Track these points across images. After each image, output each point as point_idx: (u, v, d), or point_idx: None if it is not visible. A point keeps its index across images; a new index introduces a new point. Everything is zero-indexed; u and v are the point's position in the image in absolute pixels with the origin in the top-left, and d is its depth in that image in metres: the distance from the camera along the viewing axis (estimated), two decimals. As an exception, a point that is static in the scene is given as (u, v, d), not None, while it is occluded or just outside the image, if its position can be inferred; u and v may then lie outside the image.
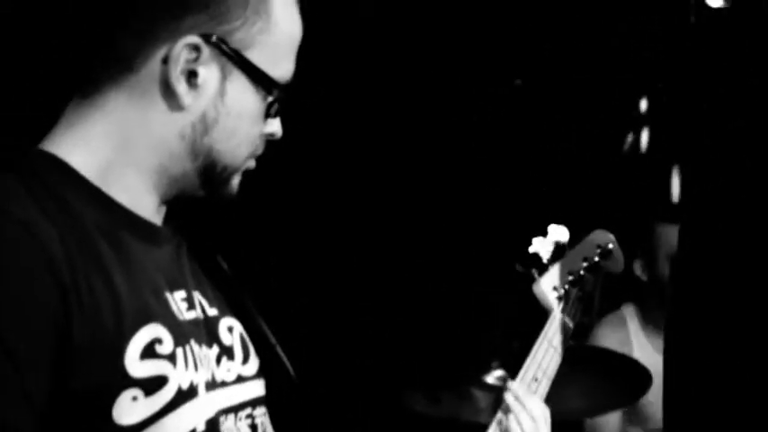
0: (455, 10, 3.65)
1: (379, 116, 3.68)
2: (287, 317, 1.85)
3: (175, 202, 1.48)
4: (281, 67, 1.44)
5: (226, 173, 1.45)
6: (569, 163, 3.89)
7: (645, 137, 4.11)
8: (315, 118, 3.15)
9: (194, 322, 1.43)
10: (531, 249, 1.89)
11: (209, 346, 1.44)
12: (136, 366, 1.29)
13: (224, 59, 1.39)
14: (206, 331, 1.45)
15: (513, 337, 2.54)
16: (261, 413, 1.51)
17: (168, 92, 1.38)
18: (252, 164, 1.50)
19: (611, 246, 1.96)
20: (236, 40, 1.39)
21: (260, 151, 1.50)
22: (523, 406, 1.78)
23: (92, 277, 1.29)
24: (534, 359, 1.82)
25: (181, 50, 1.36)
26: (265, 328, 1.57)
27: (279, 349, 1.56)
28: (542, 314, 1.89)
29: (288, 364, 1.56)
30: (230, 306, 1.54)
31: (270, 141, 1.50)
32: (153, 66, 1.37)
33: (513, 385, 1.79)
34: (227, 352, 1.47)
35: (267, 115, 1.45)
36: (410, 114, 3.71)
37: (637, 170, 4.12)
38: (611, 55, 3.86)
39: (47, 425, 1.24)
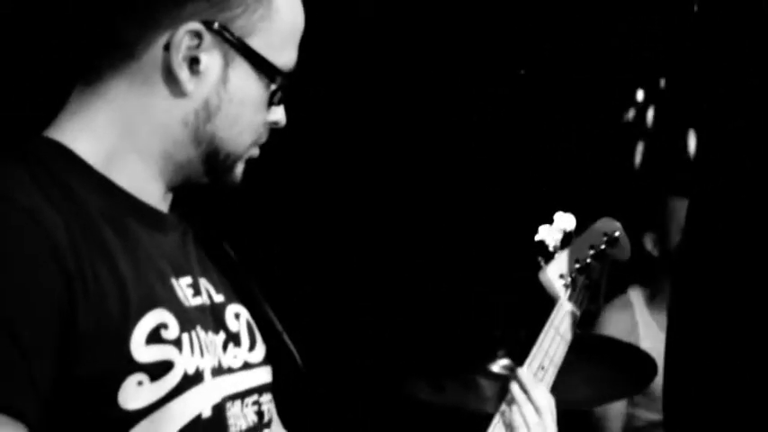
0: (456, 3, 3.65)
1: (380, 111, 3.68)
2: (292, 304, 1.85)
3: (181, 190, 1.48)
4: (284, 54, 1.44)
5: (229, 160, 1.45)
6: (574, 146, 3.88)
7: (651, 112, 4.09)
8: (320, 111, 3.16)
9: (200, 308, 1.43)
10: (538, 237, 1.88)
11: (216, 332, 1.44)
12: (141, 351, 1.29)
13: (226, 46, 1.39)
14: (212, 318, 1.45)
15: (519, 326, 2.53)
16: (267, 400, 1.51)
17: (170, 79, 1.38)
18: (256, 152, 1.50)
19: (617, 233, 1.96)
20: (238, 27, 1.39)
21: (264, 139, 1.50)
22: (528, 397, 1.78)
23: (97, 264, 1.29)
24: (541, 347, 1.82)
25: (182, 37, 1.36)
26: (272, 315, 1.57)
27: (285, 336, 1.56)
28: (549, 302, 1.88)
29: (294, 351, 1.55)
30: (237, 293, 1.54)
31: (274, 131, 1.51)
32: (155, 53, 1.38)
33: (519, 375, 1.78)
34: (233, 338, 1.47)
35: (270, 103, 1.46)
36: (411, 109, 3.71)
37: (646, 146, 4.10)
38: (616, 37, 3.85)
39: (52, 411, 1.24)
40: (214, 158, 1.44)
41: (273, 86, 1.44)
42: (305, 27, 1.48)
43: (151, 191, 1.43)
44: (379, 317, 3.54)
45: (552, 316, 1.85)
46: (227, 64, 1.40)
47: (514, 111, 3.83)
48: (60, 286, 1.24)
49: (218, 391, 1.39)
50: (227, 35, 1.38)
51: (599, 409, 3.34)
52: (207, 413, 1.36)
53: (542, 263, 1.86)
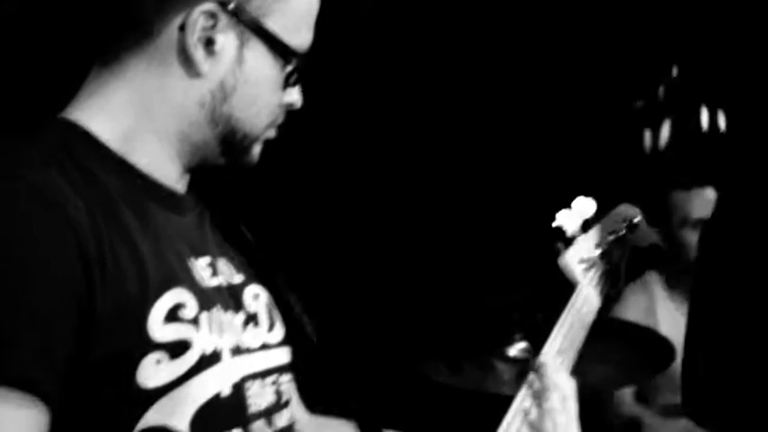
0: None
1: (403, 97, 3.68)
2: (310, 286, 1.85)
3: (198, 171, 1.49)
4: (299, 35, 1.45)
5: (246, 141, 1.46)
6: (588, 137, 3.88)
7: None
8: (341, 101, 3.16)
9: (218, 289, 1.43)
10: (557, 223, 1.87)
11: (235, 312, 1.44)
12: (159, 330, 1.30)
13: (241, 27, 1.39)
14: (231, 298, 1.45)
15: (537, 310, 2.52)
16: (286, 380, 1.52)
17: (186, 59, 1.38)
18: (272, 133, 1.51)
19: (637, 219, 1.95)
20: (253, 7, 1.40)
21: (280, 120, 1.50)
22: (549, 382, 1.76)
23: (117, 245, 1.30)
24: (560, 332, 1.80)
25: (198, 17, 1.37)
26: (290, 296, 1.57)
27: (303, 318, 1.57)
28: (568, 287, 1.87)
29: (312, 332, 1.56)
30: (255, 274, 1.54)
31: (290, 113, 1.51)
32: (170, 33, 1.38)
33: (541, 360, 1.77)
34: (252, 319, 1.48)
35: (286, 84, 1.46)
36: (428, 97, 3.71)
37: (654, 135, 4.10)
38: (630, 30, 3.84)
39: (71, 390, 1.25)
40: (231, 139, 1.44)
41: (289, 68, 1.44)
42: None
43: (168, 172, 1.44)
44: (397, 299, 3.55)
45: (572, 301, 1.83)
46: (242, 44, 1.40)
47: (530, 96, 3.83)
48: (78, 271, 1.25)
49: (238, 370, 1.40)
50: (242, 16, 1.39)
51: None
52: (226, 392, 1.36)
53: (561, 248, 1.85)
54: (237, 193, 1.59)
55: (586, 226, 1.89)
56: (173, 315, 1.32)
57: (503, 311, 2.62)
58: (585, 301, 1.85)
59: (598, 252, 1.89)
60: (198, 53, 1.38)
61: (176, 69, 1.39)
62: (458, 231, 3.73)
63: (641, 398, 3.38)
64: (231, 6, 1.38)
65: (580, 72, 3.84)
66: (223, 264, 1.47)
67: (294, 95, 1.49)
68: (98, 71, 1.42)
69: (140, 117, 1.40)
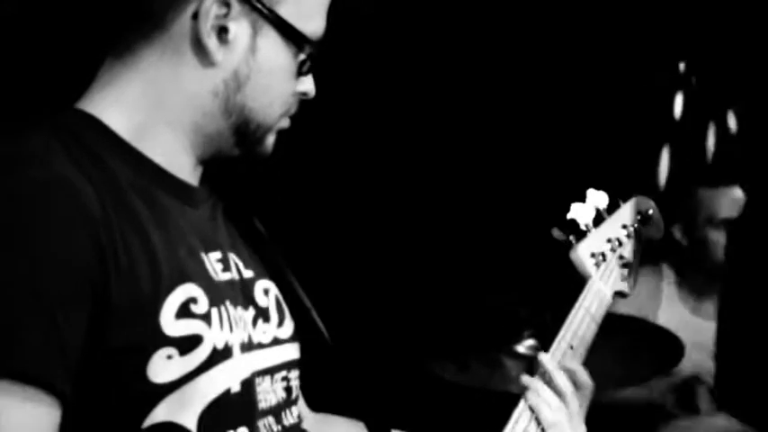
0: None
1: (405, 95, 3.68)
2: (321, 281, 1.84)
3: (212, 163, 1.47)
4: (312, 22, 1.43)
5: (260, 131, 1.45)
6: (608, 130, 3.88)
7: (679, 101, 4.09)
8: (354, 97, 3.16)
9: (230, 283, 1.42)
10: (570, 215, 1.85)
11: (245, 307, 1.43)
12: (171, 325, 1.29)
13: (254, 15, 1.38)
14: (242, 293, 1.44)
15: (546, 307, 2.51)
16: (295, 376, 1.51)
17: (199, 48, 1.37)
18: (286, 123, 1.49)
19: (651, 211, 1.93)
20: None
21: (294, 110, 1.49)
22: (550, 380, 1.75)
23: (128, 236, 1.29)
24: (570, 326, 1.79)
25: (210, 5, 1.36)
26: (300, 291, 1.55)
27: (314, 313, 1.55)
28: (579, 281, 1.85)
29: (323, 328, 1.54)
30: (266, 269, 1.53)
31: (303, 103, 1.49)
32: (183, 22, 1.37)
33: (541, 359, 1.75)
34: (262, 314, 1.46)
35: (300, 73, 1.44)
36: (431, 91, 3.71)
37: (677, 135, 4.11)
38: (645, 21, 3.83)
39: (82, 383, 1.24)
40: (244, 129, 1.43)
41: (302, 56, 1.43)
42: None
43: (182, 163, 1.42)
44: (405, 296, 3.54)
45: (583, 295, 1.82)
46: (255, 33, 1.39)
47: (538, 89, 3.82)
48: (93, 258, 1.24)
49: (248, 366, 1.39)
50: (255, 3, 1.37)
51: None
52: (236, 388, 1.35)
53: (573, 241, 1.83)
54: (251, 187, 1.57)
55: (599, 219, 1.87)
56: (184, 310, 1.31)
57: (510, 309, 2.61)
58: (596, 295, 1.84)
59: (610, 246, 1.87)
60: (211, 42, 1.36)
61: (190, 59, 1.38)
62: (466, 229, 3.73)
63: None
64: None
65: (595, 63, 3.83)
66: (234, 258, 1.46)
67: (308, 84, 1.48)
68: (111, 63, 1.40)
69: (154, 108, 1.39)
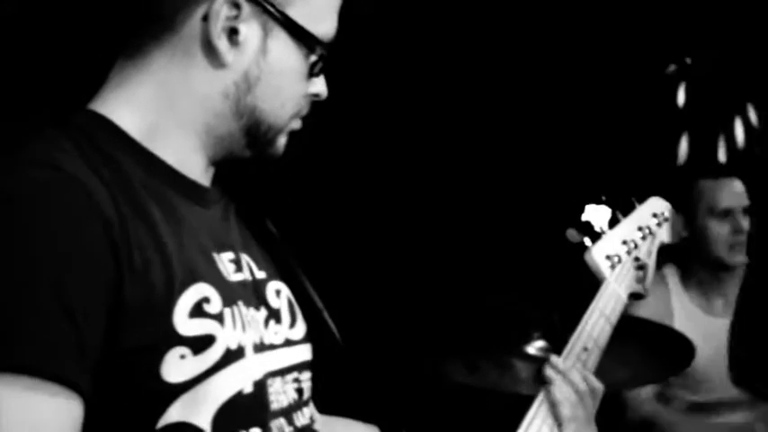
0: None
1: (408, 97, 3.68)
2: (333, 282, 1.83)
3: (224, 163, 1.47)
4: (323, 24, 1.43)
5: (271, 132, 1.44)
6: (621, 128, 3.87)
7: (681, 94, 4.09)
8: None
9: (242, 284, 1.42)
10: (584, 217, 1.84)
11: (257, 308, 1.43)
12: (184, 325, 1.28)
13: (265, 16, 1.38)
14: (254, 294, 1.44)
15: (554, 308, 2.50)
16: (307, 378, 1.50)
17: (210, 50, 1.37)
18: (297, 124, 1.49)
19: (667, 213, 1.92)
20: None
21: (305, 112, 1.49)
22: (564, 379, 1.74)
23: (142, 236, 1.28)
24: (585, 328, 1.78)
25: (221, 7, 1.35)
26: (312, 292, 1.55)
27: (325, 314, 1.54)
28: (593, 283, 1.84)
29: (334, 329, 1.53)
30: (278, 270, 1.53)
31: (314, 103, 1.49)
32: (194, 24, 1.36)
33: (552, 361, 1.75)
34: (274, 315, 1.46)
35: (311, 74, 1.44)
36: (433, 92, 3.71)
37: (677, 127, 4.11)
38: (651, 16, 3.83)
39: (97, 382, 1.23)
40: (255, 131, 1.43)
41: (313, 57, 1.42)
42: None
43: (193, 164, 1.42)
44: (416, 297, 3.53)
45: (597, 297, 1.81)
46: (266, 34, 1.38)
47: (541, 90, 3.82)
48: (109, 258, 1.23)
49: (260, 367, 1.38)
50: (265, 5, 1.37)
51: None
52: (248, 389, 1.34)
53: (589, 243, 1.82)
54: (262, 188, 1.56)
55: (614, 221, 1.86)
56: (197, 310, 1.30)
57: (518, 310, 2.60)
58: (611, 298, 1.83)
59: (626, 248, 1.86)
60: (221, 43, 1.36)
61: (200, 60, 1.37)
62: (477, 231, 3.72)
63: (661, 397, 3.35)
64: None
65: (599, 64, 3.83)
66: (246, 258, 1.46)
67: (319, 85, 1.47)
68: (122, 64, 1.40)
69: (165, 110, 1.39)
